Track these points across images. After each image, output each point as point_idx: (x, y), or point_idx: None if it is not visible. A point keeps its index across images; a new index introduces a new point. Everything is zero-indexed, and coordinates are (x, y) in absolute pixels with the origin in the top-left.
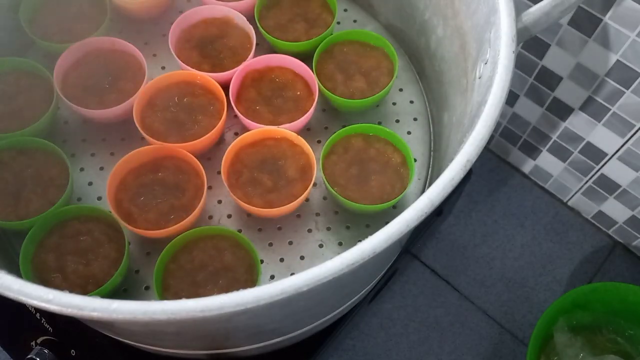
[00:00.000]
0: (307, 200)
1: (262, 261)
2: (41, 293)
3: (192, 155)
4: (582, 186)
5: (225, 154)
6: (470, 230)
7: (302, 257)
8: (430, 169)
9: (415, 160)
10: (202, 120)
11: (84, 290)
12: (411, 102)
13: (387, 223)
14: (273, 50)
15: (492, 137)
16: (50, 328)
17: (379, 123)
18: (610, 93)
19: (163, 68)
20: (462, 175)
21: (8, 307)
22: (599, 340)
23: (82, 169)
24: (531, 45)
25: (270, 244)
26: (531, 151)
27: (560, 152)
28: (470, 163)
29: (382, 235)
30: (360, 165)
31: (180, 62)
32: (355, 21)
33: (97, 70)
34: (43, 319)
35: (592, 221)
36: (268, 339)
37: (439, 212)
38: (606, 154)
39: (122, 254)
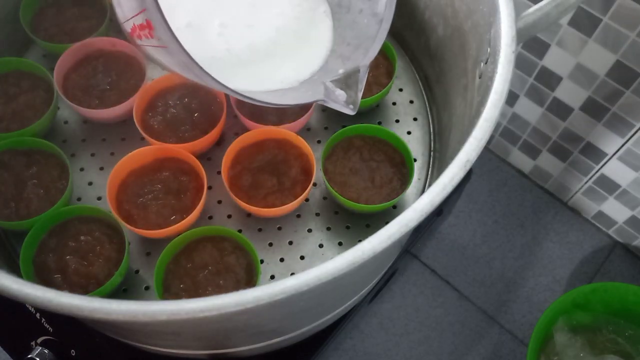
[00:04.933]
0: (307, 200)
1: (262, 261)
2: (41, 293)
3: (192, 156)
4: (582, 186)
5: (225, 154)
6: (470, 230)
7: (302, 257)
8: (430, 169)
9: (415, 160)
10: (202, 120)
11: (85, 290)
12: (411, 102)
13: (387, 223)
14: None
15: (492, 137)
16: (50, 328)
17: (379, 123)
18: (610, 93)
19: None
20: (462, 175)
21: (8, 307)
22: (599, 340)
23: (82, 169)
24: (531, 45)
25: (270, 244)
26: (531, 151)
27: (560, 152)
28: (470, 163)
29: (382, 235)
30: (360, 165)
31: None
32: None
33: (97, 70)
34: (43, 319)
35: (592, 221)
36: (268, 339)
37: (439, 212)
38: (606, 154)
39: (122, 254)
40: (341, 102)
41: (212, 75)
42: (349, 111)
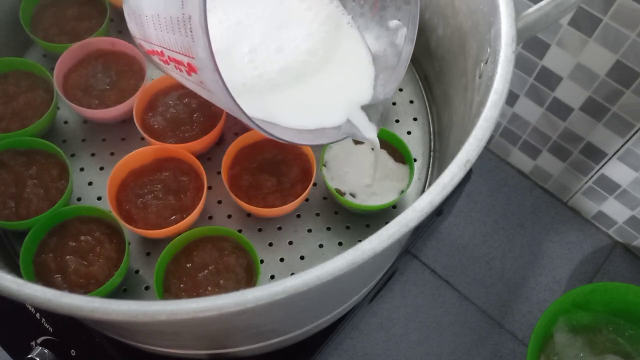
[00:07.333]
0: (307, 200)
1: (262, 261)
2: (41, 293)
3: (192, 156)
4: (582, 186)
5: (225, 154)
6: (470, 230)
7: (302, 257)
8: (430, 169)
9: (415, 160)
10: (202, 120)
11: (85, 290)
12: (411, 102)
13: (387, 223)
14: None
15: (492, 137)
16: (50, 328)
17: None
18: (610, 93)
19: None
20: (462, 175)
21: (8, 307)
22: (599, 340)
23: (82, 169)
24: (531, 45)
25: (270, 244)
26: (531, 151)
27: (560, 152)
28: (470, 163)
29: (382, 235)
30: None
31: None
32: None
33: (97, 70)
34: (43, 319)
35: (592, 221)
36: (268, 339)
37: (439, 212)
38: (606, 154)
39: (122, 254)
40: (362, 135)
41: (244, 107)
42: (370, 142)
